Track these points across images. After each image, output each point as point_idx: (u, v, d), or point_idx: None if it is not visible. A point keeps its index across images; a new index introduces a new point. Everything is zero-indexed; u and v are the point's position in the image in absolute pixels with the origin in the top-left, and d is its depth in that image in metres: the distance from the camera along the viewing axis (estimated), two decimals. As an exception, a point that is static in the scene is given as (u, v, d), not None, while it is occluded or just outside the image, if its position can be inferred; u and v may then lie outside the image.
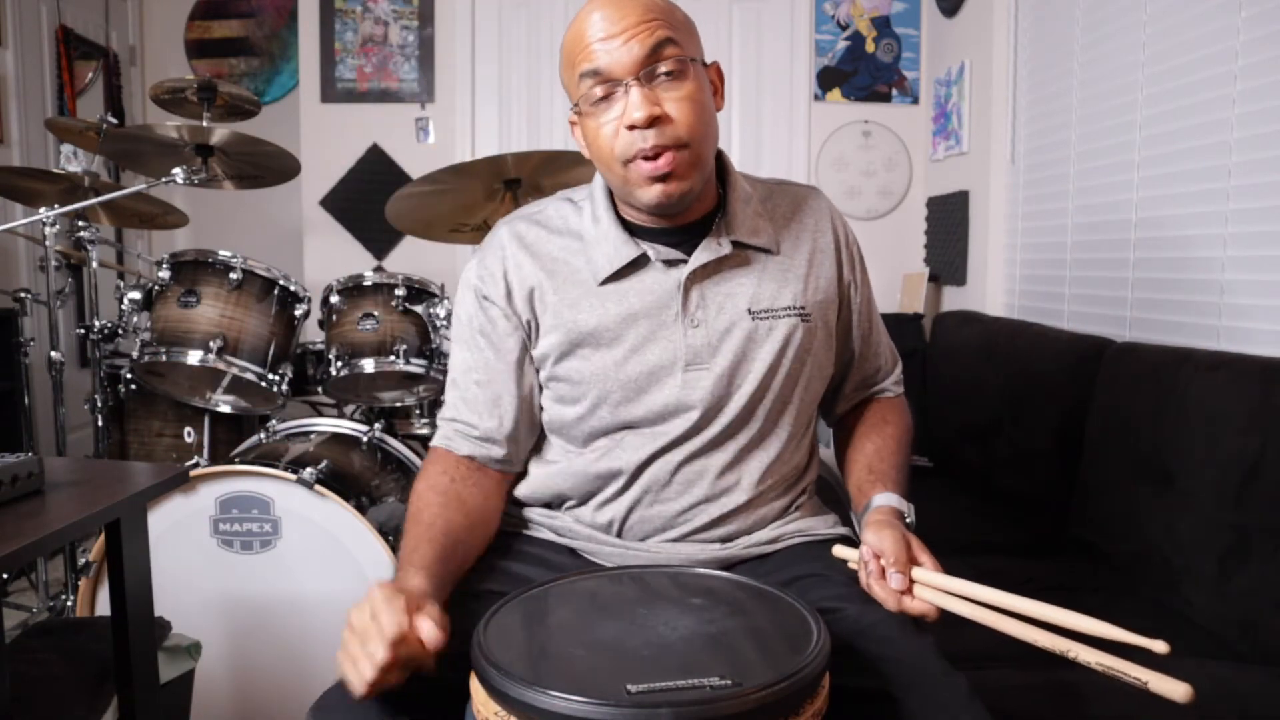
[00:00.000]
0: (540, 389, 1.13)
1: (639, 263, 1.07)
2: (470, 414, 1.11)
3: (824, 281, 1.13)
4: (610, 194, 1.11)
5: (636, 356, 1.06)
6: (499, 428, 1.11)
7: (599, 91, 0.99)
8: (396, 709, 0.84)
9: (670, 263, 1.07)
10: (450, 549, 1.00)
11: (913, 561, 0.95)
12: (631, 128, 0.97)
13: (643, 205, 1.03)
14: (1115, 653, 0.77)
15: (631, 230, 1.09)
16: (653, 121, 0.97)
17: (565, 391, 1.10)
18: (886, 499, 1.06)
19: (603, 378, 1.07)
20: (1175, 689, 0.72)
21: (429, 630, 0.78)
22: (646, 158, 0.99)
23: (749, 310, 1.07)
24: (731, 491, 1.08)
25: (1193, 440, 1.59)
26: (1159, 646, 0.75)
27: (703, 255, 1.06)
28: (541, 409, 1.14)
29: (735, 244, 1.08)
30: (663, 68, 0.98)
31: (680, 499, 1.08)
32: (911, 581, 0.94)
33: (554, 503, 1.15)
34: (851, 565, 1.02)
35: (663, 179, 1.00)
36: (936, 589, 0.91)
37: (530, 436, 1.15)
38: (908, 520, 1.05)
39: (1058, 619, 0.81)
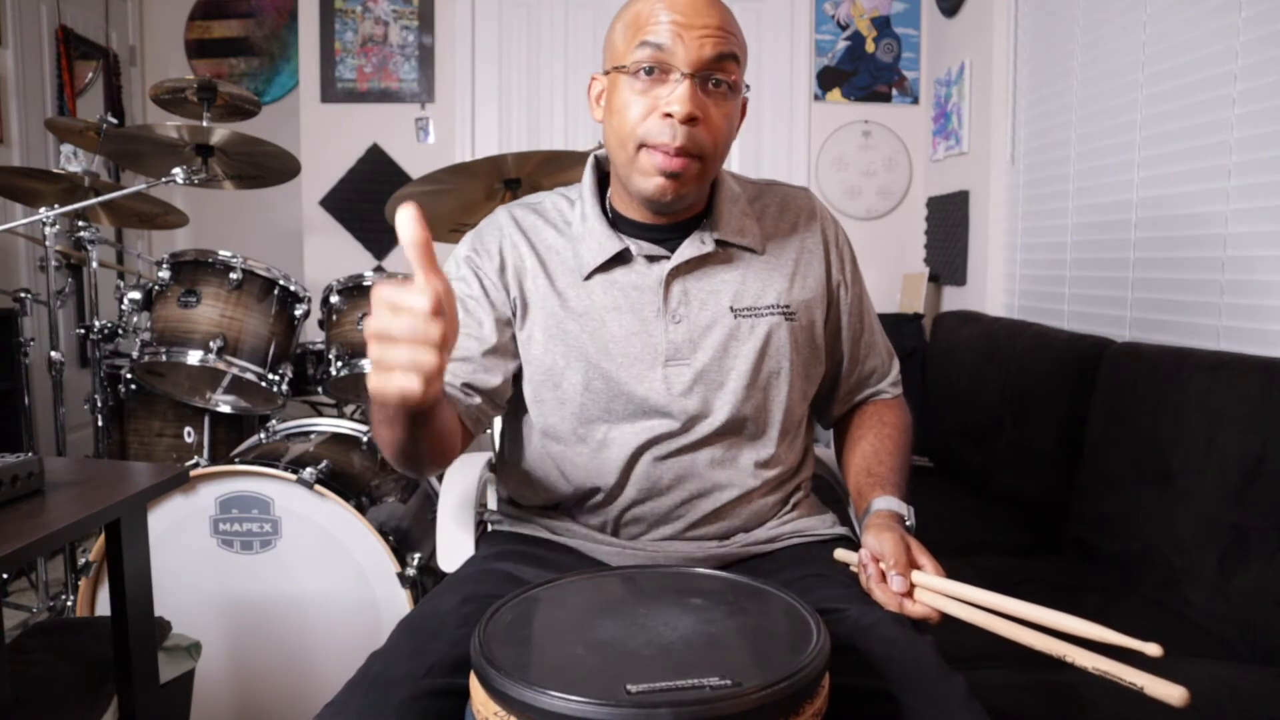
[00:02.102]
0: (516, 366, 1.11)
1: (623, 257, 1.08)
2: None
3: (811, 281, 1.13)
4: (598, 191, 1.12)
5: (618, 349, 1.07)
6: (480, 344, 1.07)
7: (651, 67, 0.99)
8: (399, 709, 0.84)
9: (654, 258, 1.08)
10: (441, 429, 0.95)
11: (913, 564, 0.95)
12: (667, 116, 0.98)
13: (639, 192, 1.03)
14: (1112, 656, 0.77)
15: (618, 226, 1.10)
16: (690, 119, 0.98)
17: (547, 380, 1.10)
18: (886, 503, 1.06)
19: (585, 368, 1.07)
20: (1171, 692, 0.72)
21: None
22: (666, 151, 0.99)
23: (731, 307, 1.08)
24: (724, 486, 1.09)
25: (1193, 440, 1.59)
26: (1152, 649, 0.76)
27: (686, 251, 1.07)
28: (516, 380, 1.13)
29: (719, 242, 1.08)
30: (720, 78, 1.00)
31: (672, 494, 1.08)
32: (912, 585, 0.94)
33: (548, 504, 1.15)
34: (853, 569, 1.02)
35: (670, 176, 1.00)
36: (936, 592, 0.92)
37: (493, 404, 1.10)
38: (908, 523, 1.05)
39: (1055, 622, 0.82)
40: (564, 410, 1.10)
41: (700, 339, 1.07)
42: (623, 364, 1.07)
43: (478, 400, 1.08)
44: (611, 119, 1.03)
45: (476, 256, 1.12)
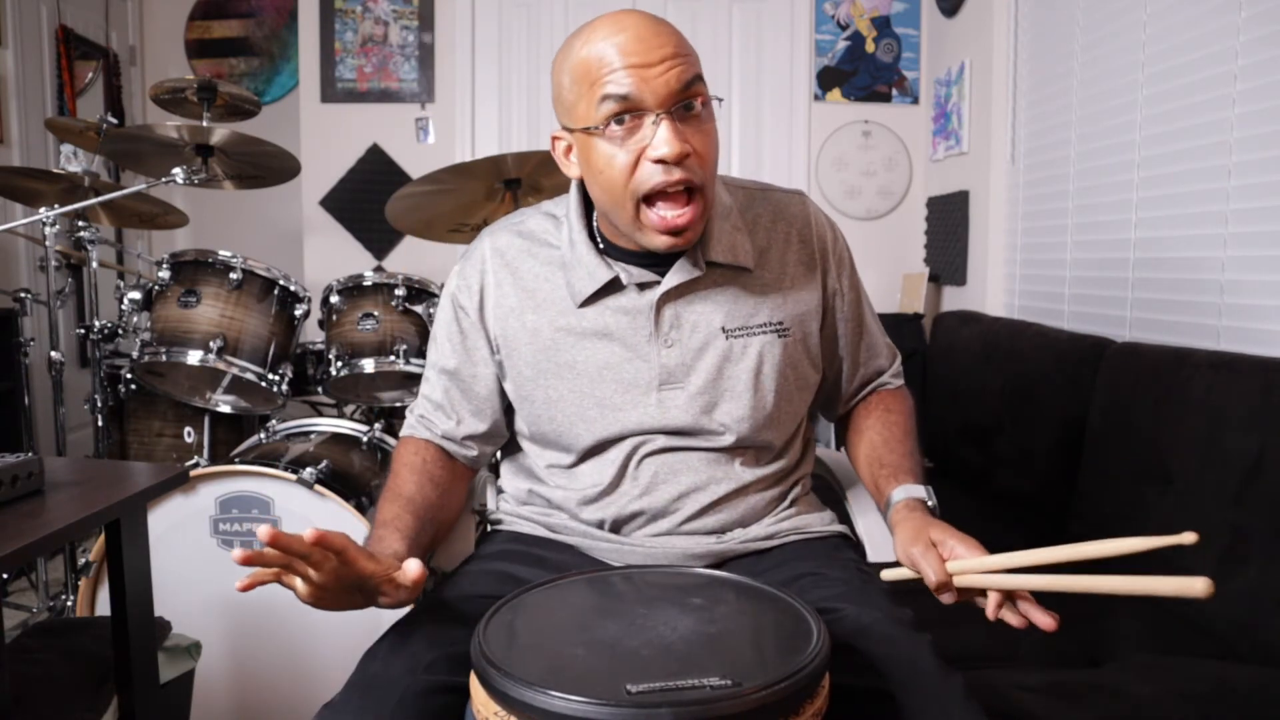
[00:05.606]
0: (508, 401, 1.15)
1: (614, 285, 1.07)
2: (435, 413, 1.16)
3: (805, 293, 1.12)
4: (586, 213, 1.10)
5: (611, 375, 1.07)
6: (461, 429, 1.15)
7: (622, 115, 0.95)
8: (399, 709, 0.84)
9: (644, 284, 1.07)
10: (427, 524, 1.05)
11: (947, 556, 0.92)
12: (659, 161, 0.95)
13: (646, 248, 1.02)
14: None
15: (606, 249, 1.08)
16: (681, 158, 0.95)
17: (542, 410, 1.10)
18: (904, 492, 1.06)
19: (579, 396, 1.08)
20: (1194, 585, 0.75)
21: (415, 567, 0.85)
22: (668, 197, 0.97)
23: (723, 329, 1.07)
24: (719, 480, 1.09)
25: (1193, 440, 1.58)
26: (1188, 538, 0.78)
27: (675, 277, 1.06)
28: (509, 412, 1.17)
29: (710, 264, 1.07)
30: (694, 105, 0.96)
31: (667, 488, 1.08)
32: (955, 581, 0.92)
33: (547, 503, 1.16)
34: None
35: (676, 233, 0.99)
36: (975, 573, 0.90)
37: (493, 441, 1.18)
38: (929, 504, 1.04)
39: (1088, 553, 0.84)
40: (559, 432, 1.11)
41: (694, 362, 1.07)
42: (616, 391, 1.07)
43: (474, 452, 1.16)
44: (597, 178, 1.00)
45: (460, 295, 1.13)
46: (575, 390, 1.08)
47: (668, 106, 0.94)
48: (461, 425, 1.15)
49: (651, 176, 0.96)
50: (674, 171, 0.95)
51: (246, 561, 0.76)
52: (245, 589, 0.76)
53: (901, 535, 0.98)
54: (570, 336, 1.07)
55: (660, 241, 1.00)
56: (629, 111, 0.95)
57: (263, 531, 0.75)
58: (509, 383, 1.13)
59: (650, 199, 0.98)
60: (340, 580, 0.82)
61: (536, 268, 1.10)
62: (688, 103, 0.96)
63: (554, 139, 1.06)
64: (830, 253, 1.16)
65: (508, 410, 1.17)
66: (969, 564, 0.92)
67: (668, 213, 0.98)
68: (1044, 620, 0.87)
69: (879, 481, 1.12)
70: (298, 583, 0.80)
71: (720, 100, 1.01)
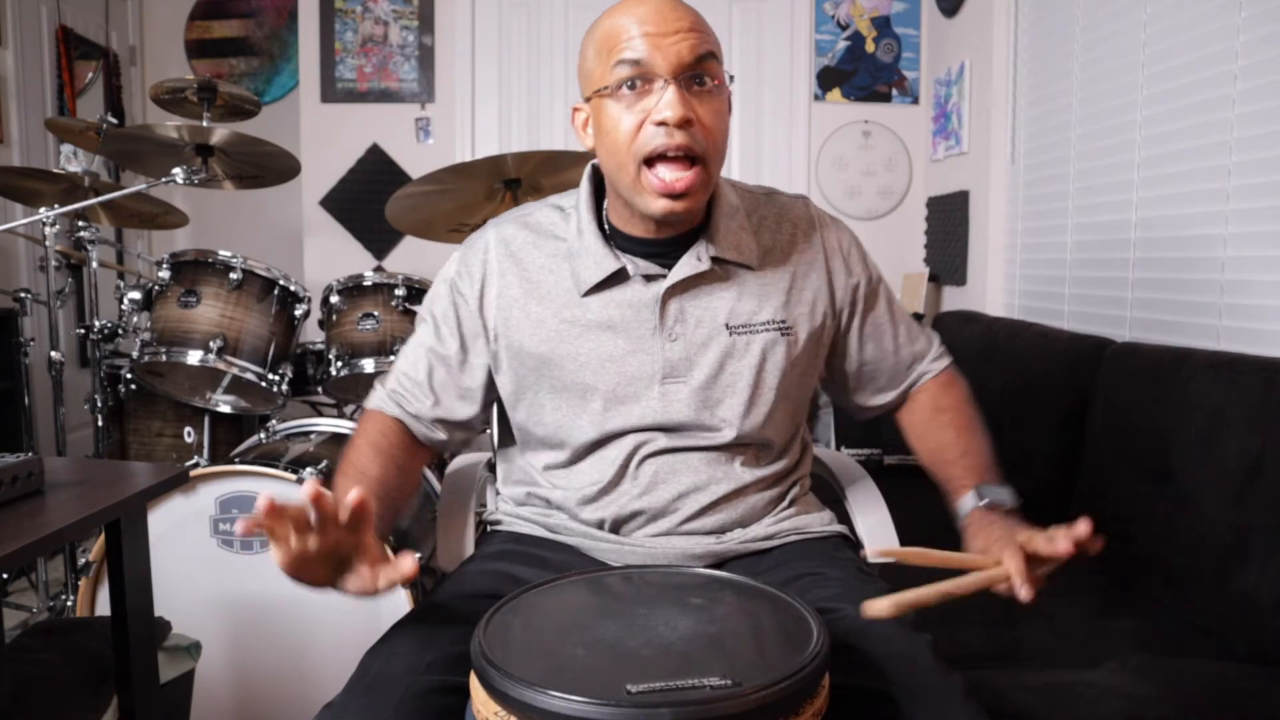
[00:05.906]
0: (492, 395, 1.16)
1: (619, 276, 1.07)
2: (413, 389, 1.15)
3: (809, 294, 1.13)
4: (595, 204, 1.11)
5: (614, 368, 1.07)
6: (437, 411, 1.14)
7: (634, 80, 0.98)
8: (400, 709, 0.84)
9: (650, 277, 1.07)
10: (388, 509, 1.05)
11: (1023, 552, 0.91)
12: (661, 124, 0.96)
13: (646, 212, 1.03)
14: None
15: (613, 241, 1.09)
16: (684, 123, 0.96)
17: (545, 400, 1.10)
18: (966, 504, 1.08)
19: (581, 389, 1.08)
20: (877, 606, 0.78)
21: (409, 564, 0.82)
22: (670, 159, 0.98)
23: (727, 325, 1.08)
24: (719, 480, 1.09)
25: (1193, 440, 1.58)
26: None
27: (681, 270, 1.06)
28: (489, 406, 1.17)
29: (715, 259, 1.07)
30: (705, 79, 0.99)
31: (666, 488, 1.08)
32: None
33: (546, 503, 1.16)
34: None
35: (675, 196, 0.99)
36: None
37: (465, 430, 1.18)
38: (983, 501, 1.05)
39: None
40: (559, 425, 1.10)
41: (697, 356, 1.07)
42: (619, 383, 1.07)
43: (441, 436, 1.16)
44: (604, 140, 1.02)
45: (460, 281, 1.13)
46: (578, 382, 1.08)
47: (677, 74, 0.97)
48: (438, 407, 1.14)
49: (653, 138, 0.97)
50: (675, 135, 0.97)
51: (271, 513, 0.74)
52: (246, 533, 0.76)
53: (974, 546, 1.00)
54: (575, 328, 1.07)
55: (659, 205, 1.00)
56: (640, 77, 0.98)
57: (308, 488, 0.75)
58: (506, 375, 1.13)
59: (651, 162, 0.99)
60: (338, 547, 0.81)
61: (542, 260, 1.11)
62: (698, 75, 0.98)
63: (575, 110, 1.08)
64: (835, 252, 1.16)
65: (488, 404, 1.17)
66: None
67: (667, 175, 0.98)
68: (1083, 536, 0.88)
69: (947, 495, 1.14)
70: (292, 539, 0.78)
71: (732, 77, 1.03)
